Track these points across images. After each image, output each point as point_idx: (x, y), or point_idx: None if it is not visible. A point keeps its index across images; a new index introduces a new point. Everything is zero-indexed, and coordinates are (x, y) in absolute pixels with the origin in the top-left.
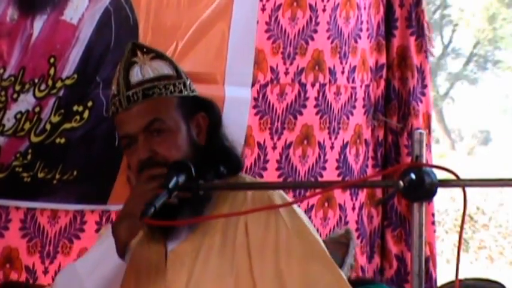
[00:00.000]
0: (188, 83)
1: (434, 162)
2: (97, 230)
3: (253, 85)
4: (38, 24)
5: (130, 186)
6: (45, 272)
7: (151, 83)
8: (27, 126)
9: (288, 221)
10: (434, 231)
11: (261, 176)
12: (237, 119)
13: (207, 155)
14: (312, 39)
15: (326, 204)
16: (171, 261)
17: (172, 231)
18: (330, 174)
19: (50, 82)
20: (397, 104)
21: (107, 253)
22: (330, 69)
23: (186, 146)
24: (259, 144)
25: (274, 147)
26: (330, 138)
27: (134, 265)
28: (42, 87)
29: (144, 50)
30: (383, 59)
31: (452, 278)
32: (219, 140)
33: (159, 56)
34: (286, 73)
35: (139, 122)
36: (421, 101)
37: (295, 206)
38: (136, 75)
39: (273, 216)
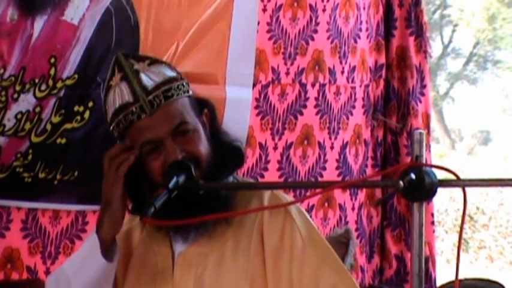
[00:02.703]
0: (188, 82)
1: (434, 162)
2: None
3: (254, 85)
4: (39, 24)
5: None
6: (47, 272)
7: (165, 85)
8: (27, 126)
9: (303, 230)
10: (434, 231)
11: (262, 177)
12: (239, 120)
13: (217, 150)
14: (312, 39)
15: (326, 204)
16: (179, 264)
17: (180, 233)
18: (330, 174)
19: (50, 82)
20: (397, 104)
21: (91, 252)
22: (329, 69)
23: (207, 143)
24: (260, 144)
25: (275, 148)
26: (330, 138)
27: (137, 267)
28: (43, 87)
29: (137, 58)
30: (382, 59)
31: (452, 278)
32: (222, 134)
33: (155, 61)
34: (287, 73)
35: (167, 126)
36: (420, 101)
37: (306, 213)
38: (147, 81)
39: (289, 224)
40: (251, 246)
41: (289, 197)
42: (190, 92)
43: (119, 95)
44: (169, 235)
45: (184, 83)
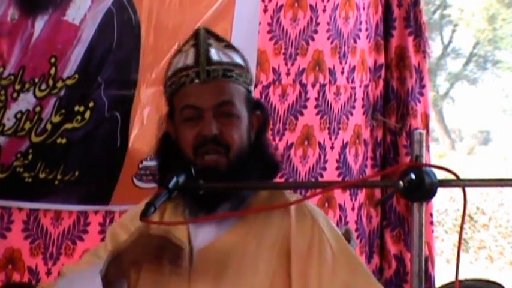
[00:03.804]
0: (253, 80)
1: (434, 162)
2: (100, 231)
3: (255, 86)
4: (39, 24)
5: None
6: (48, 273)
7: (229, 66)
8: (27, 126)
9: (332, 242)
10: (433, 231)
11: None
12: None
13: (254, 154)
14: (313, 39)
15: (326, 205)
16: (198, 261)
17: (199, 228)
18: (330, 174)
19: (50, 82)
20: (396, 104)
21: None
22: (329, 69)
23: (245, 137)
24: None
25: (275, 148)
26: (330, 138)
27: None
28: (43, 86)
29: (216, 37)
30: (381, 59)
31: (452, 278)
32: (266, 144)
33: (231, 46)
34: (288, 74)
35: (213, 98)
36: (420, 101)
37: (332, 222)
38: (214, 55)
39: (317, 234)
40: (274, 252)
41: (313, 205)
42: (251, 88)
43: (184, 58)
44: (188, 228)
45: (248, 76)
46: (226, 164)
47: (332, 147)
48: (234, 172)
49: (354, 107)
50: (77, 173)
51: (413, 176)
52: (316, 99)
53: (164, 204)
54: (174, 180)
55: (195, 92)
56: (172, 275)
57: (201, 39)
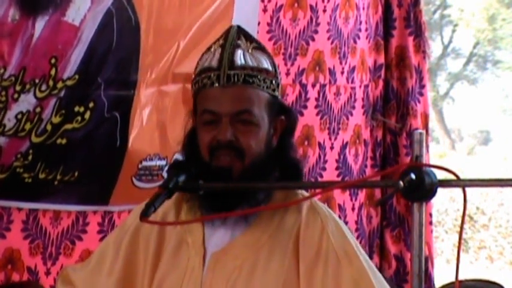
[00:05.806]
0: (280, 84)
1: (434, 162)
2: (99, 231)
3: None
4: (40, 24)
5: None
6: (47, 273)
7: (253, 71)
8: (28, 126)
9: (339, 251)
10: (432, 231)
11: None
12: None
13: (275, 158)
14: (313, 39)
15: (326, 205)
16: (211, 266)
17: (214, 232)
18: (330, 174)
19: (50, 82)
20: (396, 104)
21: None
22: (330, 69)
23: (263, 143)
24: None
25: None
26: (330, 138)
27: (170, 254)
28: (43, 87)
29: (247, 37)
30: (381, 59)
31: (452, 278)
32: (289, 147)
33: (261, 48)
34: (288, 74)
35: (231, 106)
36: (419, 101)
37: (344, 227)
38: (239, 58)
39: (325, 244)
40: (286, 255)
41: (326, 210)
42: (276, 93)
43: (210, 58)
44: (204, 231)
45: (273, 81)
46: (241, 169)
47: (332, 147)
48: (248, 177)
49: (354, 107)
50: (76, 173)
51: (413, 176)
52: (316, 99)
53: (179, 206)
54: (174, 180)
55: (214, 97)
56: (185, 277)
57: (229, 39)
